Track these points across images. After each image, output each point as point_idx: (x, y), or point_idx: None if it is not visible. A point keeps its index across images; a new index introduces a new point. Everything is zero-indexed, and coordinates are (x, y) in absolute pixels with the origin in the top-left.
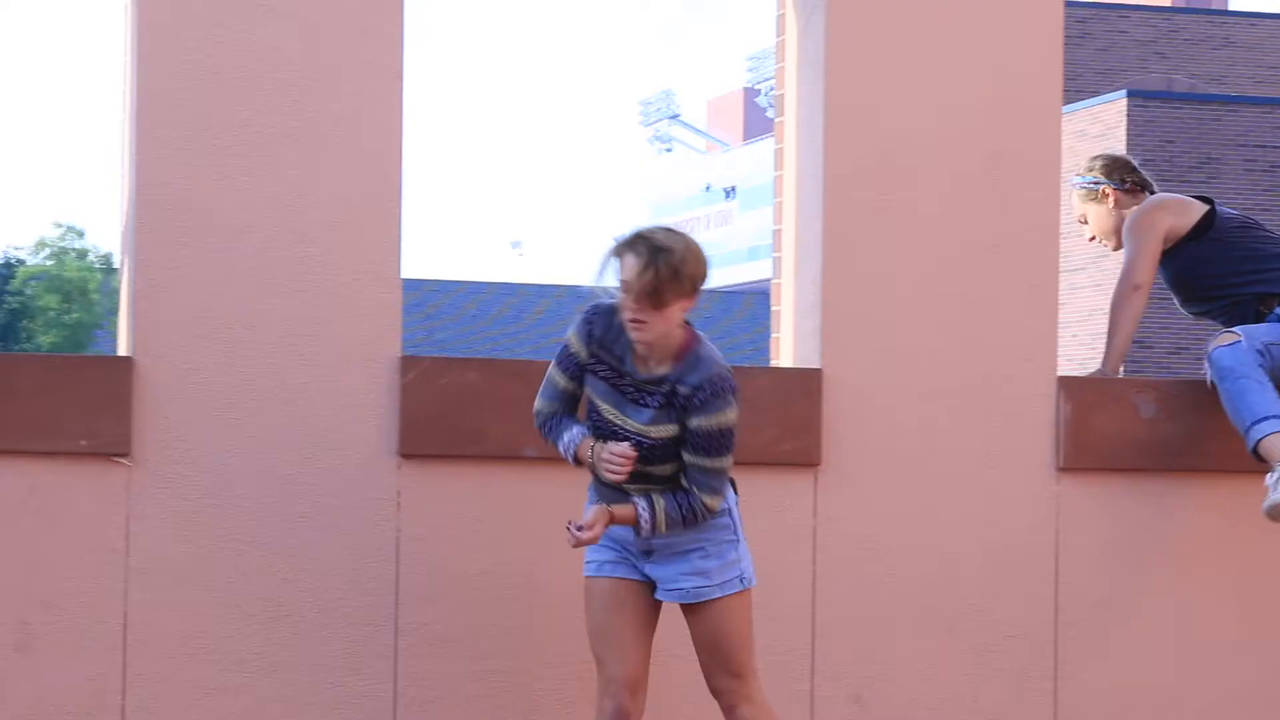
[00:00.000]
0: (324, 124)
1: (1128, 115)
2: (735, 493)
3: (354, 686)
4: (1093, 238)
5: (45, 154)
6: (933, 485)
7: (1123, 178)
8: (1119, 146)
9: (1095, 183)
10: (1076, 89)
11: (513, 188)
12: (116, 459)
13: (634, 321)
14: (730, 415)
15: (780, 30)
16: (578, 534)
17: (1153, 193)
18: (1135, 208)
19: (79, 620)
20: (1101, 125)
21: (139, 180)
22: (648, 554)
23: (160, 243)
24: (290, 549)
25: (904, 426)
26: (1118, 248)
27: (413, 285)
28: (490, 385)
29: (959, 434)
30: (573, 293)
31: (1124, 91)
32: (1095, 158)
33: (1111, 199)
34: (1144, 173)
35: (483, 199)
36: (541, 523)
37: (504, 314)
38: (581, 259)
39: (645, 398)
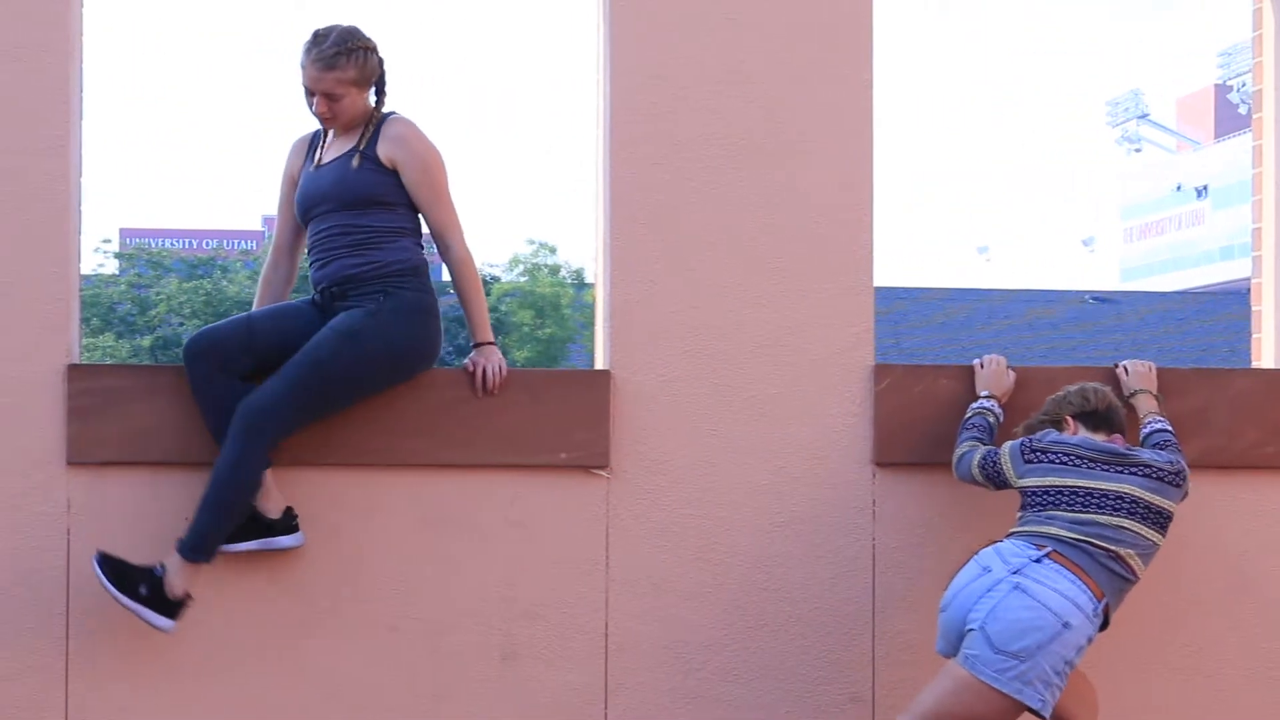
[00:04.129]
0: (794, 136)
1: None
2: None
3: (832, 695)
4: None
5: (519, 172)
6: None
7: None
8: None
9: None
10: None
11: (979, 192)
12: (595, 471)
13: None
14: None
15: (1256, 24)
16: None
17: None
18: None
19: (562, 630)
20: None
21: (613, 196)
22: None
23: (635, 257)
24: (767, 558)
25: None
26: None
27: (880, 293)
28: (964, 392)
29: None
30: (1041, 297)
31: None
32: None
33: None
34: None
35: (949, 204)
36: None
37: (972, 320)
38: (1049, 264)
39: None
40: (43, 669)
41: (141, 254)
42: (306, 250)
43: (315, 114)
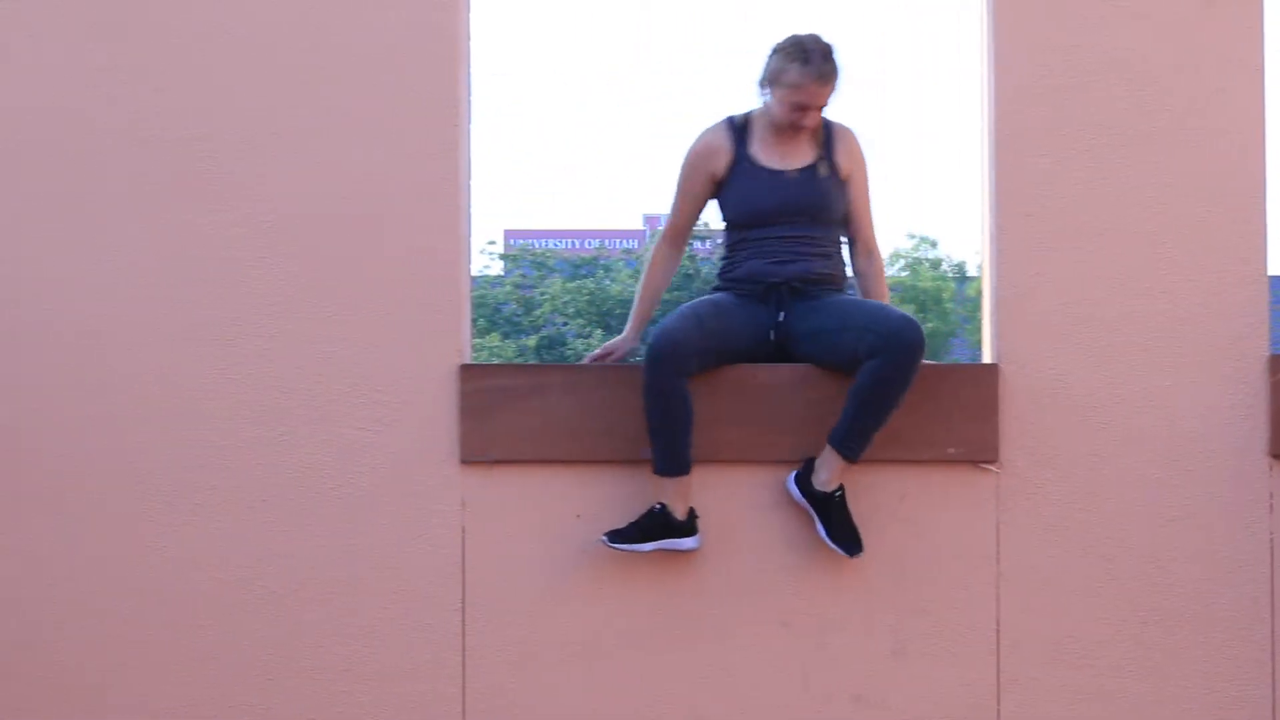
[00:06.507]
0: (1182, 122)
1: None
2: None
3: (1229, 691)
4: None
5: (898, 167)
6: None
7: None
8: None
9: None
10: None
11: None
12: (984, 466)
13: None
14: None
15: None
16: None
17: None
18: None
19: (952, 626)
20: None
21: (999, 188)
22: None
23: (1022, 249)
24: (1159, 553)
25: None
26: None
27: (1272, 281)
28: None
29: None
30: None
31: None
32: None
33: None
34: None
35: None
36: None
37: None
38: None
39: None
40: (440, 665)
41: (525, 255)
42: (749, 246)
43: (795, 125)
